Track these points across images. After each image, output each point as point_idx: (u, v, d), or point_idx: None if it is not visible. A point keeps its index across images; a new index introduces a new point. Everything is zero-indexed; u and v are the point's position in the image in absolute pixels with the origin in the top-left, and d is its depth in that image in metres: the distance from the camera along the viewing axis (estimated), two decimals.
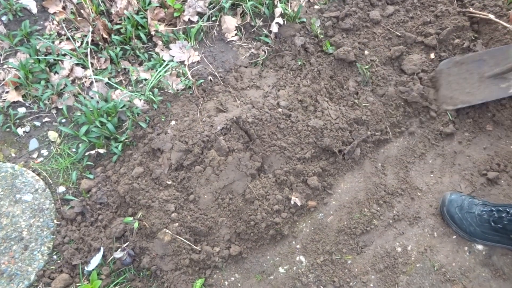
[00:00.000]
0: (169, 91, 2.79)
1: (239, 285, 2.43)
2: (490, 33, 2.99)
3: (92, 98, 2.74)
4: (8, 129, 2.67)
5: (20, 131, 2.67)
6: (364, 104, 2.84)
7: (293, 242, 2.54)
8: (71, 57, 2.81)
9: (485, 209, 2.42)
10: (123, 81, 2.86)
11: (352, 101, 2.86)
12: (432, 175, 2.75)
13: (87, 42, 2.84)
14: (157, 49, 2.92)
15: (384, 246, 2.53)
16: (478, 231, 2.42)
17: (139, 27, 2.94)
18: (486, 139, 2.84)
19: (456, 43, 2.98)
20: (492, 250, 2.48)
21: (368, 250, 2.52)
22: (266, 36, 3.00)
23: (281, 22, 2.96)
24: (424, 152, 2.82)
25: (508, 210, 2.34)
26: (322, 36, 3.01)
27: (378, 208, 2.62)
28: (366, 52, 2.98)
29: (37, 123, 2.71)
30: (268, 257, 2.50)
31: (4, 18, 2.89)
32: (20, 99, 2.71)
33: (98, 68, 2.85)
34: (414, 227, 2.59)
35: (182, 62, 2.88)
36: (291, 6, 3.03)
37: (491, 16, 2.94)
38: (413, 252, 2.51)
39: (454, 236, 2.54)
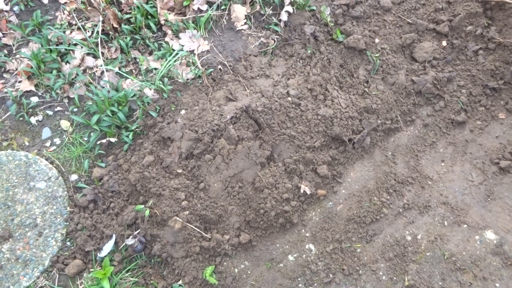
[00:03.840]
0: (179, 80, 2.80)
1: (249, 272, 2.45)
2: (504, 19, 2.94)
3: (103, 87, 2.76)
4: (21, 118, 2.71)
5: (33, 120, 2.71)
6: (374, 93, 2.82)
7: (303, 230, 2.55)
8: (82, 47, 2.83)
9: None
10: (133, 71, 2.87)
11: (362, 90, 2.84)
12: (443, 164, 2.73)
13: (97, 32, 2.86)
14: (166, 39, 2.92)
15: (394, 235, 2.52)
16: None
17: (149, 17, 2.94)
18: (498, 127, 2.80)
19: (469, 30, 2.94)
20: (504, 239, 2.47)
21: (378, 238, 2.52)
22: (276, 24, 2.98)
23: (291, 10, 2.94)
24: (435, 141, 2.79)
25: None
26: (332, 24, 2.98)
27: (388, 197, 2.62)
28: (376, 40, 2.95)
29: (50, 112, 2.75)
30: (277, 245, 2.51)
31: (16, 8, 2.92)
32: (33, 88, 2.75)
33: (109, 58, 2.87)
34: (424, 216, 2.58)
35: (191, 51, 2.89)
36: None
37: None
38: (423, 240, 2.50)
39: (465, 225, 2.53)
